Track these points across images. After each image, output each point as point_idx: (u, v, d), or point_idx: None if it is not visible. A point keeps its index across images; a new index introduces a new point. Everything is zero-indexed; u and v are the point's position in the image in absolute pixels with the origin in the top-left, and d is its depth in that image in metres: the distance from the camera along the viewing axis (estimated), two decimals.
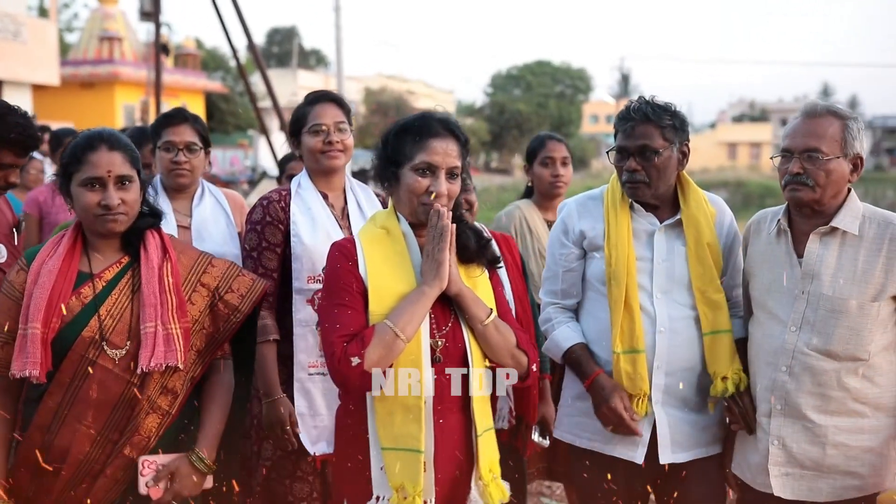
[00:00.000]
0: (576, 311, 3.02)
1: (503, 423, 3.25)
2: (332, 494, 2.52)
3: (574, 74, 67.99)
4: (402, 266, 2.32)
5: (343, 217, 3.18)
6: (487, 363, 2.36)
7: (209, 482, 2.57)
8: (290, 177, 4.30)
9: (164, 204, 3.33)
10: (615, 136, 2.88)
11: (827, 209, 2.68)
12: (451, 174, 2.32)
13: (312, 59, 64.95)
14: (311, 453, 3.03)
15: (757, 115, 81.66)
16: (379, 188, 2.66)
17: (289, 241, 3.06)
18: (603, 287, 2.85)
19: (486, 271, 2.47)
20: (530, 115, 47.54)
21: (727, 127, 76.95)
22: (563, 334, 2.92)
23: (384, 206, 3.22)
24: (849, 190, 2.73)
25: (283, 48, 64.08)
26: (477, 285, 2.39)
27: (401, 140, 2.35)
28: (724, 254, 2.93)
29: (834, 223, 2.66)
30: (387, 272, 2.30)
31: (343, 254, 2.33)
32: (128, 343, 2.45)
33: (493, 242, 2.53)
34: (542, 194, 4.09)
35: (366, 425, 2.28)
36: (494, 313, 2.36)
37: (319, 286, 2.96)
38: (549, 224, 3.80)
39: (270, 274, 3.04)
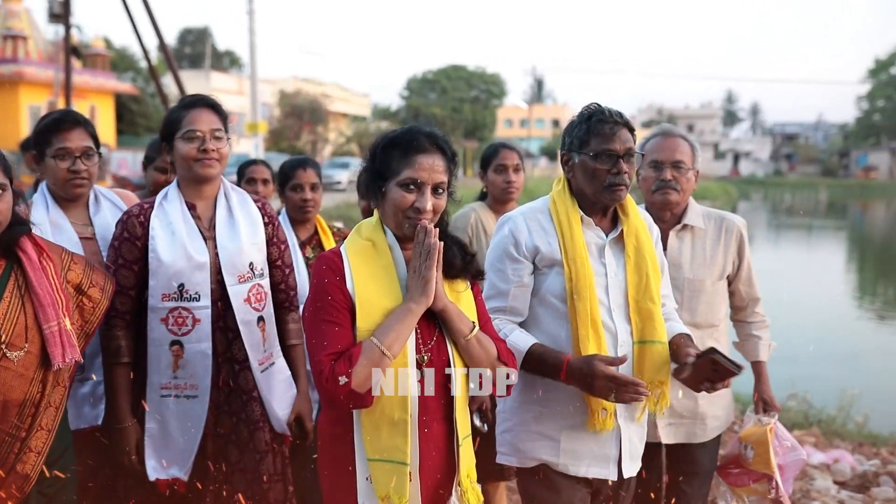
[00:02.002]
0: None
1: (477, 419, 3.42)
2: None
3: (488, 79, 68.73)
4: (388, 280, 2.32)
5: (209, 228, 3.02)
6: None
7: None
8: (251, 181, 4.21)
9: (56, 214, 3.13)
10: (582, 141, 2.76)
11: (678, 210, 3.35)
12: (436, 190, 2.32)
13: (226, 61, 64.06)
14: (153, 479, 2.93)
15: (665, 121, 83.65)
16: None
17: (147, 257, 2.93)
18: (560, 303, 2.75)
19: (469, 284, 2.49)
20: (445, 119, 47.86)
21: (636, 132, 78.48)
22: (518, 338, 2.73)
23: (262, 211, 3.15)
24: None
25: (195, 49, 63.04)
26: (460, 300, 2.42)
27: (387, 154, 2.34)
28: (660, 262, 2.94)
29: (685, 221, 3.33)
30: (373, 287, 2.30)
31: (330, 268, 2.31)
32: (26, 344, 2.46)
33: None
34: (496, 198, 4.31)
35: (351, 436, 2.29)
36: (477, 327, 2.38)
37: (174, 304, 2.90)
38: None
39: (126, 292, 2.92)
